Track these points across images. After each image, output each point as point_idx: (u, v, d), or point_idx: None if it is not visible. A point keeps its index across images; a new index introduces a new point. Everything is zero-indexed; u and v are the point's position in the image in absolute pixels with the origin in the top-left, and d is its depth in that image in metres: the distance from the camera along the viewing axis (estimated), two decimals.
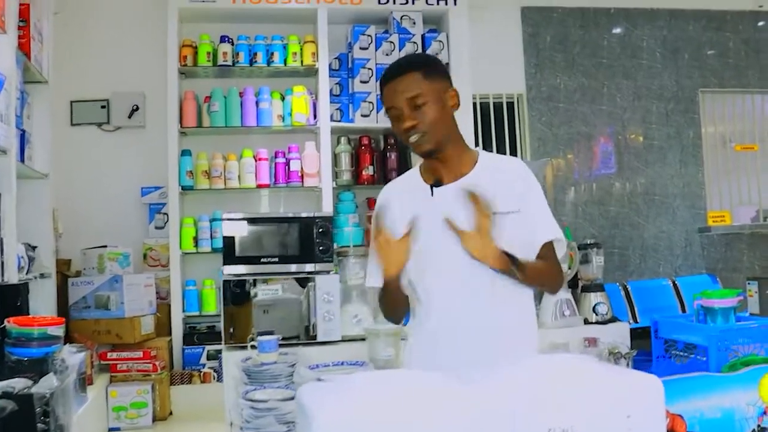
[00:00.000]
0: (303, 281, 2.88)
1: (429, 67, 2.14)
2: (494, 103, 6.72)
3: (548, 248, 2.15)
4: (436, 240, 2.05)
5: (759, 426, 1.71)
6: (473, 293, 2.09)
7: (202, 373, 5.30)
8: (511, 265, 1.98)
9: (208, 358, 5.32)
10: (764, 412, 1.71)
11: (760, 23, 7.40)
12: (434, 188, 2.12)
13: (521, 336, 2.18)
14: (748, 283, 5.57)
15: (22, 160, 4.20)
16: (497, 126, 6.73)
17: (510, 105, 6.76)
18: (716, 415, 1.67)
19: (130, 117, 5.76)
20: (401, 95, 2.05)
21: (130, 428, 4.80)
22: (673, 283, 4.91)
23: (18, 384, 2.59)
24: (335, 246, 4.87)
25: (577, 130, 6.80)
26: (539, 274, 2.11)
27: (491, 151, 6.67)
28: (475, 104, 6.31)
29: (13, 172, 3.93)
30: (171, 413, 5.12)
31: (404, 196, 2.20)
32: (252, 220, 3.12)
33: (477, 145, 6.33)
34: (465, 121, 5.62)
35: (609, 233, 6.83)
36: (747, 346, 2.73)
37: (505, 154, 6.71)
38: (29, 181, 4.47)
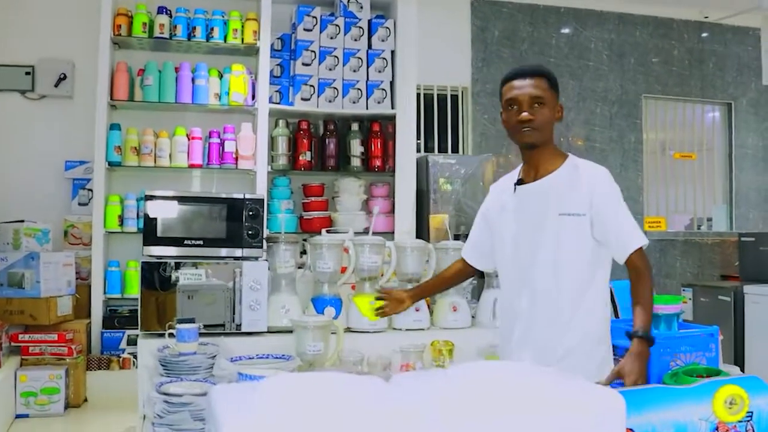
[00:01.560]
0: (229, 267, 2.69)
1: (553, 79, 2.44)
2: (438, 94, 6.60)
3: (636, 255, 2.39)
4: (508, 236, 2.46)
5: None
6: (532, 290, 2.42)
7: (121, 359, 5.04)
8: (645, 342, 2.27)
9: (129, 343, 5.05)
10: (716, 428, 1.60)
11: (704, 34, 7.48)
12: (516, 186, 2.46)
13: (583, 334, 2.41)
14: (683, 290, 5.63)
15: None
16: (440, 118, 6.61)
17: (454, 98, 6.65)
18: (668, 430, 1.55)
19: (56, 86, 5.43)
20: (527, 91, 2.34)
21: (39, 415, 4.51)
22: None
23: None
24: (267, 231, 4.70)
25: None
26: (649, 304, 2.37)
27: (432, 143, 6.60)
28: (419, 95, 6.18)
29: None
30: (86, 400, 4.85)
31: (501, 188, 2.59)
32: (177, 199, 2.90)
33: (419, 137, 6.22)
34: (408, 112, 5.49)
35: None
36: (689, 355, 2.66)
37: (446, 146, 6.61)
38: None
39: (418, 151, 6.18)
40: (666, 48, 7.30)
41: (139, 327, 2.68)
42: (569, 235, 2.35)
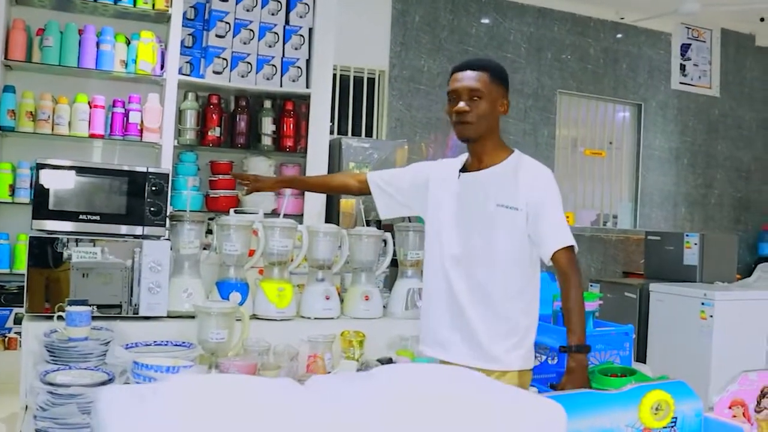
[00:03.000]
0: (128, 246, 2.48)
1: (497, 73, 2.45)
2: (355, 76, 6.47)
3: (561, 255, 2.36)
4: (449, 220, 2.46)
5: None
6: (469, 273, 2.42)
7: (7, 339, 4.74)
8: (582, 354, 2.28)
9: (16, 322, 4.76)
10: None
11: (619, 35, 7.61)
12: (461, 173, 2.48)
13: (513, 321, 2.43)
14: (591, 285, 5.70)
15: None
16: (356, 101, 6.48)
17: (371, 81, 6.54)
18: None
19: None
20: (465, 84, 2.36)
21: None
22: None
23: None
24: (171, 209, 4.47)
25: (436, 115, 6.68)
26: (582, 311, 2.36)
27: (346, 126, 6.46)
28: (335, 75, 6.02)
29: None
30: None
31: (448, 170, 2.55)
32: (74, 169, 2.66)
33: (333, 119, 6.07)
34: (324, 92, 5.33)
35: None
36: (603, 353, 2.64)
37: (360, 130, 6.49)
38: None
39: (332, 133, 6.04)
40: (582, 45, 7.39)
41: (24, 308, 2.45)
42: (504, 226, 2.37)
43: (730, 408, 1.71)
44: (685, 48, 8.01)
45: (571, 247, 2.38)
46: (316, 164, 5.29)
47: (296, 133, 5.40)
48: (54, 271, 2.50)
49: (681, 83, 8.01)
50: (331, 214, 5.33)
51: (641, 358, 4.83)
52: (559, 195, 2.42)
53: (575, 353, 2.26)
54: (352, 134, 6.49)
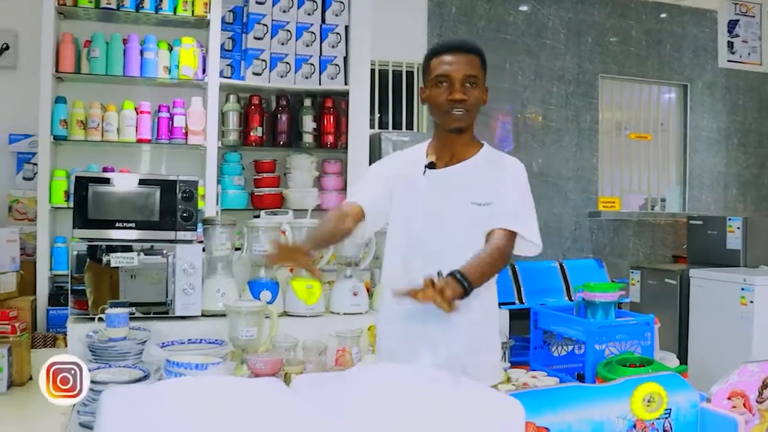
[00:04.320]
0: (163, 250, 2.63)
1: (484, 58, 2.27)
2: (393, 70, 6.55)
3: (503, 236, 2.19)
4: (417, 218, 2.28)
5: None
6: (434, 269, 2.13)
7: (66, 337, 4.95)
8: (464, 290, 1.99)
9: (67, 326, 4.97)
10: (634, 426, 1.60)
11: (663, 15, 7.50)
12: (427, 169, 2.27)
13: (483, 321, 2.30)
14: (632, 272, 5.69)
15: None
16: (395, 94, 6.56)
17: (409, 74, 6.60)
18: (585, 429, 1.55)
19: None
20: (461, 69, 2.17)
21: None
22: (561, 265, 4.92)
23: None
24: (217, 208, 4.63)
25: None
26: (482, 274, 2.10)
27: (386, 120, 6.55)
28: (373, 70, 6.11)
29: None
30: (30, 378, 4.76)
31: (410, 162, 2.35)
32: (108, 180, 2.83)
33: (372, 113, 6.17)
34: (362, 88, 5.42)
35: None
36: (624, 343, 2.68)
37: (400, 123, 6.57)
38: None
39: (372, 126, 6.13)
40: (624, 28, 7.31)
41: (69, 311, 2.62)
42: (479, 224, 2.23)
43: (729, 399, 1.74)
44: (732, 24, 7.84)
45: (516, 234, 2.23)
46: (357, 159, 5.38)
47: (336, 130, 5.51)
48: (94, 276, 2.66)
49: (729, 61, 7.84)
50: None
51: (683, 344, 4.82)
52: (529, 188, 2.31)
53: (455, 278, 2.00)
54: (393, 127, 6.57)
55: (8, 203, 5.25)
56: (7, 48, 5.29)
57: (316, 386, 1.10)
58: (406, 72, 6.57)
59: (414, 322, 2.20)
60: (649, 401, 1.61)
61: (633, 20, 7.34)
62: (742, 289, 4.44)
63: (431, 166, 2.27)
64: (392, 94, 6.56)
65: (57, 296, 5.07)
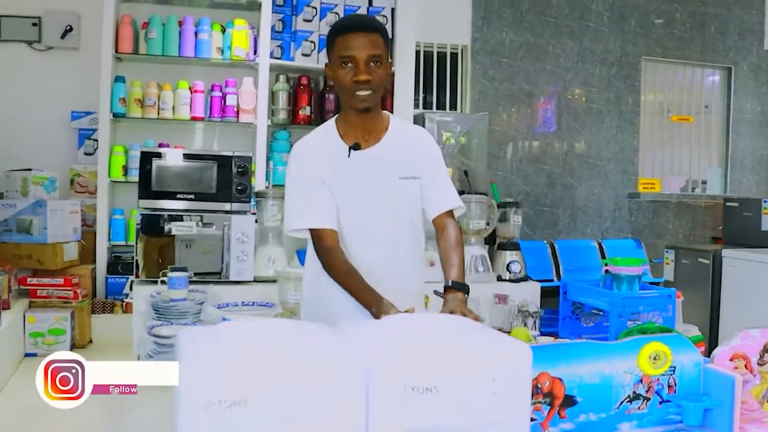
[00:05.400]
0: (219, 220, 2.87)
1: (386, 34, 2.24)
2: (438, 52, 6.70)
3: (450, 213, 2.38)
4: (348, 197, 2.28)
5: (634, 392, 1.79)
6: (377, 247, 2.31)
7: (124, 303, 5.25)
8: (467, 293, 2.17)
9: (132, 288, 5.25)
10: (640, 380, 1.78)
11: None
12: (352, 151, 2.27)
13: (410, 289, 2.39)
14: (666, 251, 5.79)
15: None
16: (439, 76, 6.72)
17: (453, 56, 6.75)
18: (595, 381, 1.73)
19: (62, 38, 5.57)
20: (365, 49, 2.14)
21: (47, 354, 4.73)
22: (599, 244, 5.04)
23: None
24: (267, 185, 4.87)
25: (518, 86, 6.83)
26: (463, 269, 2.29)
27: (431, 101, 6.71)
28: (418, 52, 6.27)
29: None
30: (91, 341, 5.10)
31: (325, 151, 2.31)
32: (171, 155, 3.07)
33: (417, 94, 6.34)
34: (407, 70, 5.59)
35: (541, 191, 6.95)
36: (647, 314, 2.83)
37: (445, 104, 6.73)
38: None
39: (416, 107, 6.29)
40: (668, 10, 7.32)
41: (134, 274, 2.87)
42: (408, 197, 2.32)
43: (731, 360, 1.91)
44: None
45: (459, 207, 2.40)
46: None
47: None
48: (158, 243, 2.91)
49: None
50: None
51: (714, 323, 4.93)
52: (442, 157, 2.42)
53: (454, 290, 2.16)
54: (437, 107, 6.73)
55: (70, 177, 5.56)
56: (71, 30, 5.57)
57: (355, 328, 1.32)
58: (451, 54, 6.71)
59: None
60: (655, 358, 1.78)
61: (677, 2, 7.35)
62: None
63: (356, 147, 2.27)
64: (437, 75, 6.71)
65: (115, 265, 5.39)
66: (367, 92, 2.15)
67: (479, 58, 6.70)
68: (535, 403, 1.67)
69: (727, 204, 5.87)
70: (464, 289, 2.16)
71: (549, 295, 4.06)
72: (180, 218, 2.86)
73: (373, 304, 2.05)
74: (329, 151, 2.30)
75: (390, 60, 2.26)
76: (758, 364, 1.94)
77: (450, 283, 2.18)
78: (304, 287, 2.40)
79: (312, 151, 2.32)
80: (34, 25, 5.54)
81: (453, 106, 6.76)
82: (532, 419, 1.67)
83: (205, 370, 1.09)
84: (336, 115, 2.38)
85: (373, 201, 2.29)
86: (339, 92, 2.28)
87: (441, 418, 1.18)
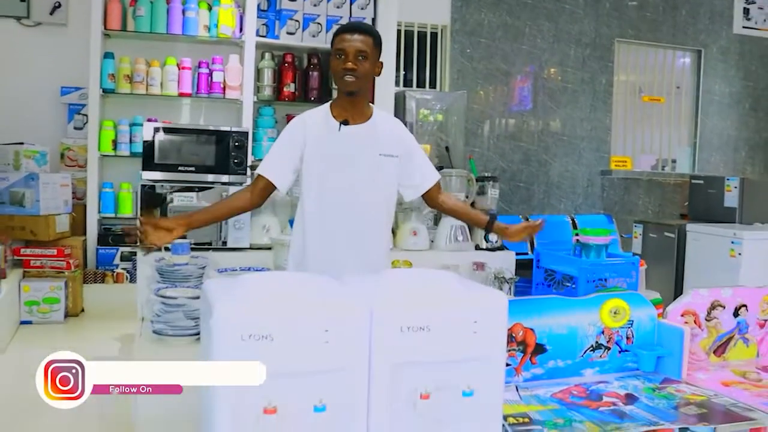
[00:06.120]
0: (217, 191, 3.07)
1: (378, 39, 2.70)
2: (418, 32, 6.88)
3: (438, 185, 2.87)
4: (337, 166, 2.68)
5: (596, 342, 2.02)
6: (355, 209, 2.69)
7: (115, 273, 5.43)
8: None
9: (122, 259, 5.44)
10: (602, 332, 2.02)
11: None
12: (342, 125, 2.68)
13: (382, 254, 2.81)
14: (635, 226, 6.07)
15: None
16: (419, 55, 6.91)
17: (434, 36, 6.93)
18: (563, 331, 1.96)
19: (51, 14, 5.67)
20: (354, 45, 2.60)
21: (41, 322, 4.94)
22: (572, 219, 5.28)
23: None
24: (253, 159, 5.06)
25: (496, 66, 7.04)
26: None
27: (411, 78, 6.91)
28: (399, 32, 6.45)
29: None
30: (83, 310, 5.27)
31: (315, 125, 2.72)
32: (172, 130, 3.25)
33: (398, 72, 6.53)
34: (388, 48, 5.77)
35: (517, 168, 7.19)
36: (613, 280, 3.08)
37: (425, 82, 6.93)
38: None
39: (397, 84, 6.49)
40: None
41: (138, 242, 3.06)
42: (389, 172, 2.73)
43: (682, 316, 2.16)
44: None
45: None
46: None
47: None
48: (160, 212, 3.10)
49: (744, 27, 8.07)
50: None
51: (678, 292, 5.20)
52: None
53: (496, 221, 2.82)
54: (417, 86, 6.92)
55: (60, 151, 5.69)
56: (59, 6, 5.67)
57: (359, 280, 1.54)
58: (431, 33, 6.89)
59: (344, 242, 2.68)
60: (615, 313, 2.02)
61: None
62: (732, 242, 4.83)
63: (345, 123, 2.68)
64: (417, 54, 6.90)
65: (105, 237, 5.55)
66: (352, 78, 2.60)
67: (458, 37, 6.89)
68: (509, 350, 1.91)
69: (693, 182, 6.16)
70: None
71: (524, 267, 4.30)
72: (180, 189, 3.05)
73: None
74: (321, 126, 2.71)
75: (380, 60, 2.70)
76: (706, 320, 2.20)
77: (490, 218, 2.82)
78: (290, 255, 2.73)
79: (301, 122, 2.75)
80: (23, 1, 5.63)
81: (432, 84, 6.96)
82: (507, 364, 1.92)
83: (237, 311, 1.30)
84: (331, 100, 2.79)
85: (356, 170, 2.68)
86: (333, 78, 2.70)
87: (431, 353, 1.41)
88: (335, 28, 5.60)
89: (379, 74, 2.76)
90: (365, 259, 2.63)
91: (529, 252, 4.83)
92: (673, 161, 8.05)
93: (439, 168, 4.66)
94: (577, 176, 7.42)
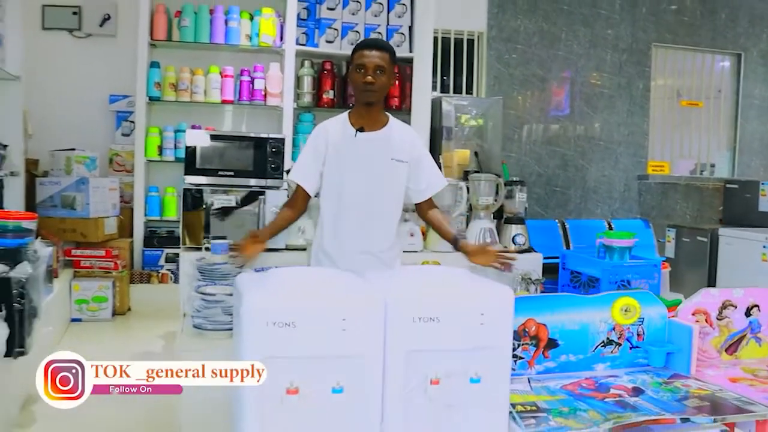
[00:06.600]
0: (255, 194, 3.23)
1: (393, 54, 2.91)
2: (455, 39, 7.00)
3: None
4: (352, 169, 2.87)
5: (608, 338, 2.12)
6: (367, 207, 2.88)
7: (160, 274, 5.67)
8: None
9: (167, 260, 5.67)
10: (613, 328, 2.12)
11: None
12: (359, 132, 2.90)
13: (391, 252, 2.96)
14: (668, 230, 6.10)
15: None
16: (456, 61, 7.02)
17: (470, 42, 7.04)
18: (574, 327, 2.06)
19: (101, 25, 5.93)
20: (373, 61, 2.81)
21: (90, 320, 5.18)
22: (609, 224, 5.33)
23: None
24: (292, 163, 5.23)
25: (532, 72, 7.13)
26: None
27: (448, 84, 7.02)
28: (436, 39, 6.58)
29: None
30: (129, 309, 5.51)
31: (335, 132, 2.94)
32: (213, 136, 3.43)
33: (435, 78, 6.65)
34: (425, 55, 5.90)
35: (554, 173, 7.25)
36: (636, 281, 3.17)
37: (461, 89, 7.04)
38: (1, 82, 4.68)
39: (434, 90, 6.61)
40: None
41: (180, 242, 3.24)
42: (399, 176, 2.92)
43: (693, 315, 2.25)
44: None
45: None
46: (420, 120, 5.89)
47: (401, 93, 6.04)
48: (201, 215, 3.28)
49: None
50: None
51: None
52: (425, 146, 3.08)
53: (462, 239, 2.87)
54: (453, 92, 7.03)
55: (109, 156, 5.95)
56: (109, 18, 5.94)
57: (380, 276, 1.68)
58: (467, 40, 7.01)
59: (357, 239, 2.88)
60: (626, 310, 2.12)
61: None
62: (764, 246, 4.85)
63: (361, 129, 2.90)
64: (454, 60, 7.01)
65: (151, 239, 5.78)
66: (371, 91, 2.82)
67: (494, 44, 6.99)
68: (522, 344, 2.03)
69: (728, 186, 6.16)
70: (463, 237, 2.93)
71: (554, 271, 4.39)
72: (220, 192, 3.22)
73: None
74: (339, 133, 2.93)
75: (395, 73, 2.98)
76: (717, 318, 2.28)
77: (456, 238, 2.87)
78: (312, 252, 2.99)
79: (323, 129, 2.97)
80: (75, 13, 5.90)
81: (469, 90, 7.07)
82: (520, 357, 2.04)
83: (264, 300, 1.45)
84: (349, 110, 3.02)
85: (370, 173, 2.88)
86: (353, 90, 2.96)
87: (441, 342, 1.54)
88: (372, 35, 5.93)
89: (393, 85, 2.93)
90: (375, 256, 2.85)
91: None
92: (712, 166, 8.02)
93: (474, 172, 4.78)
94: (614, 181, 7.46)
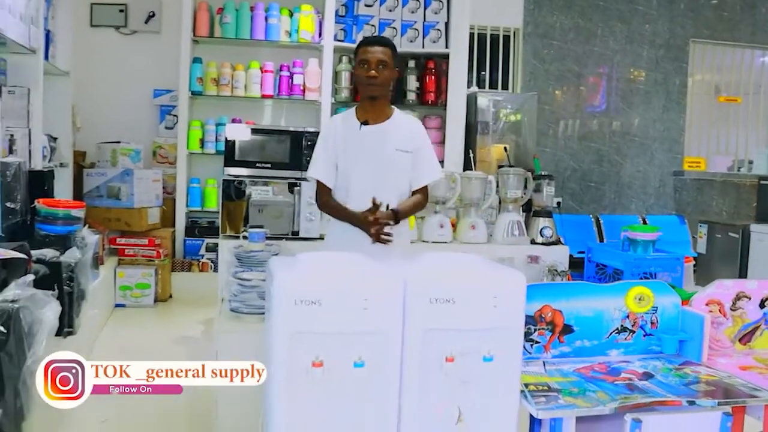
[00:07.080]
0: (291, 186, 3.38)
1: (395, 50, 3.03)
2: (491, 35, 7.07)
3: (426, 186, 3.14)
4: (358, 161, 3.01)
5: (622, 326, 2.22)
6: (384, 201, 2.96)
7: (200, 263, 5.86)
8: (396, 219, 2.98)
9: (207, 249, 5.85)
10: (627, 316, 2.21)
11: None
12: (363, 125, 3.02)
13: (398, 239, 3.02)
14: (700, 226, 6.12)
15: (47, 58, 4.61)
16: (492, 57, 7.10)
17: (506, 38, 7.11)
18: (589, 314, 2.15)
19: (146, 22, 6.13)
20: (376, 56, 2.94)
21: (134, 306, 5.40)
22: (643, 219, 5.37)
23: (48, 253, 3.12)
24: None
25: (568, 67, 7.18)
26: (409, 211, 3.11)
27: (484, 79, 7.11)
28: (472, 34, 6.66)
29: (41, 70, 4.37)
30: (171, 296, 5.72)
31: (342, 126, 3.09)
32: (252, 129, 3.60)
33: (470, 73, 6.73)
34: (461, 51, 5.99)
35: (588, 168, 7.30)
36: (659, 274, 3.24)
37: (496, 84, 7.11)
38: (52, 78, 4.89)
39: (470, 85, 6.69)
40: None
41: (219, 231, 3.40)
42: (403, 165, 3.04)
43: (707, 305, 2.33)
44: None
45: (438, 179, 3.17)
46: (455, 115, 6.01)
47: (437, 89, 6.14)
48: (239, 204, 3.44)
49: None
50: (467, 161, 6.02)
51: None
52: (428, 136, 3.15)
53: (392, 211, 2.94)
54: (489, 88, 7.12)
55: (152, 149, 6.16)
56: (153, 15, 6.14)
57: (401, 259, 1.82)
58: (503, 36, 7.08)
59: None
60: (639, 299, 2.22)
61: None
62: None
63: (365, 123, 3.03)
64: (490, 56, 7.09)
65: (192, 229, 5.98)
66: (374, 85, 2.94)
67: (531, 40, 7.05)
68: (539, 329, 2.13)
69: (762, 182, 6.15)
70: (396, 213, 2.96)
71: (581, 265, 4.47)
72: (258, 183, 3.38)
73: (357, 220, 2.91)
74: (347, 127, 3.07)
75: (396, 68, 3.03)
76: (731, 309, 2.36)
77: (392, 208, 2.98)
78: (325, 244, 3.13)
79: (332, 124, 3.16)
80: (121, 11, 6.11)
81: (505, 86, 7.14)
82: (536, 342, 2.15)
83: (293, 281, 1.59)
84: (356, 105, 3.16)
85: (375, 163, 3.00)
86: (358, 85, 3.12)
87: (456, 322, 1.67)
88: (409, 32, 6.04)
89: (396, 79, 3.07)
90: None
91: None
92: (750, 162, 7.96)
93: (503, 166, 4.86)
94: (649, 177, 7.47)
